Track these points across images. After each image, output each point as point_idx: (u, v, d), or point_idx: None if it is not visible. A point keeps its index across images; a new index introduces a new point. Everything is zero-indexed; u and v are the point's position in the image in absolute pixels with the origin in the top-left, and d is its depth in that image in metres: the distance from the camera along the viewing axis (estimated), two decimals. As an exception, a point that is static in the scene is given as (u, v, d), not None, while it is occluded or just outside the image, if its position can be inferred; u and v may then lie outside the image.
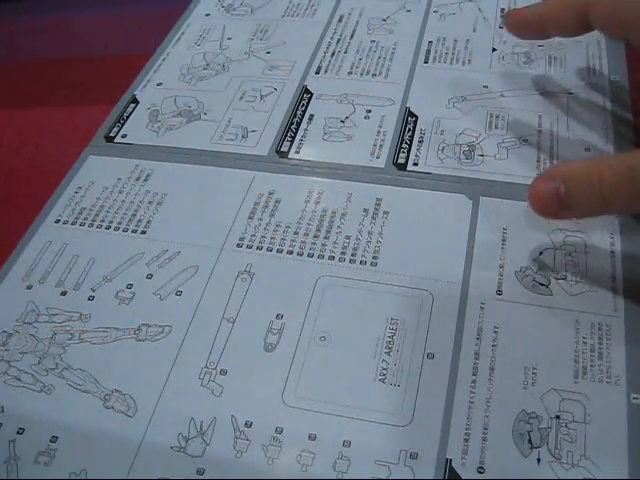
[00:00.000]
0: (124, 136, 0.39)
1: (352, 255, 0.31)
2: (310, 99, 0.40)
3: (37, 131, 0.43)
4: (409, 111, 0.38)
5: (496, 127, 0.36)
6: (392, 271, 0.31)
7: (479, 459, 0.25)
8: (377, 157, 0.36)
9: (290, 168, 0.36)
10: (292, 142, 0.37)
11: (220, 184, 0.36)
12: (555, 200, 0.26)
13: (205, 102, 0.40)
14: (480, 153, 0.35)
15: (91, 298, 0.31)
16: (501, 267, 0.30)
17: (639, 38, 0.28)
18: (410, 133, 0.37)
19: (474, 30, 0.43)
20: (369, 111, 0.38)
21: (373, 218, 0.33)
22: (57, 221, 0.35)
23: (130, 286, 0.31)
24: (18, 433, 0.27)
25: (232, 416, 0.27)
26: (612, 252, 0.30)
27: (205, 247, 0.33)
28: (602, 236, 0.31)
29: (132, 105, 0.41)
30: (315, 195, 0.34)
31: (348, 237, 0.32)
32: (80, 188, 0.36)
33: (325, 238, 0.32)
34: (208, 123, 0.39)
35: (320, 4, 0.47)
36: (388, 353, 0.28)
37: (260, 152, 0.37)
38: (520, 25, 0.33)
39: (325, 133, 0.37)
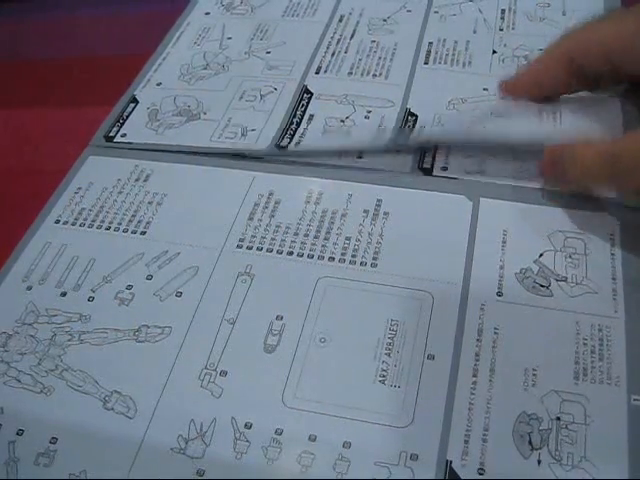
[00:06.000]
0: (124, 135, 0.39)
1: (352, 256, 0.31)
2: (310, 99, 0.40)
3: (37, 131, 0.43)
4: (409, 112, 0.38)
5: (496, 129, 0.36)
6: (392, 272, 0.30)
7: (479, 460, 0.25)
8: (377, 158, 0.36)
9: (290, 169, 0.36)
10: (291, 141, 0.37)
11: (220, 184, 0.35)
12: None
13: (205, 102, 0.40)
14: (480, 154, 0.35)
15: (91, 299, 0.31)
16: (501, 268, 0.30)
17: (622, 62, 0.30)
18: (410, 134, 0.37)
19: (474, 32, 0.43)
20: (369, 112, 0.38)
21: (373, 219, 0.33)
22: (57, 222, 0.35)
23: (130, 287, 0.31)
24: (18, 434, 0.27)
25: (232, 417, 0.27)
26: (612, 254, 0.30)
27: (205, 248, 0.32)
28: (602, 237, 0.31)
29: (132, 105, 0.41)
30: (315, 196, 0.34)
31: (348, 238, 0.32)
32: (80, 188, 0.36)
33: (325, 239, 0.32)
34: (208, 123, 0.39)
35: (320, 4, 0.47)
36: (388, 354, 0.28)
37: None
38: (517, 88, 0.34)
39: (325, 133, 0.37)
